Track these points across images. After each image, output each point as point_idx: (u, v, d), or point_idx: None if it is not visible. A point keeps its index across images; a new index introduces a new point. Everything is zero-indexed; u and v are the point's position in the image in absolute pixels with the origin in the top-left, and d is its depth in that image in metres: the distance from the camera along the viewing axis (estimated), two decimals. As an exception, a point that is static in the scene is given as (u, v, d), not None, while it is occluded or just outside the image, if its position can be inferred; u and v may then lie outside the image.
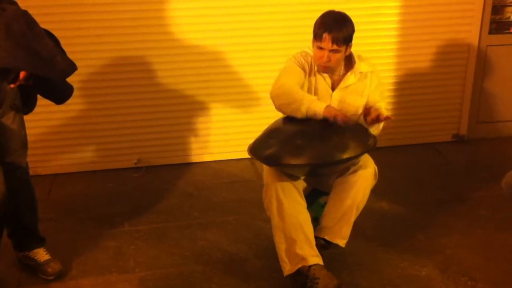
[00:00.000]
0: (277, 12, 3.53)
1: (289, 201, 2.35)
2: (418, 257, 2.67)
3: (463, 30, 3.82)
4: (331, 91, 2.52)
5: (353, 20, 3.60)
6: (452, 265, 2.61)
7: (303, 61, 2.50)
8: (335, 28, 2.35)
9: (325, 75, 2.51)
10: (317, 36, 2.38)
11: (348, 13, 3.54)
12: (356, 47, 3.60)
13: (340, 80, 2.53)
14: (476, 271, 2.57)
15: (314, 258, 2.34)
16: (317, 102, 2.36)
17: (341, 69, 2.53)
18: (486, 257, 2.68)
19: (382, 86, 2.63)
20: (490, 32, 3.87)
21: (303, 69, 2.49)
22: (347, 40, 2.40)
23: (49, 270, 2.54)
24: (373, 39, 3.72)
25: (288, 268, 2.35)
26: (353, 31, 2.42)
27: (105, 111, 3.57)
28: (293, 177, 2.40)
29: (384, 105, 2.59)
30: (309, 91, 2.51)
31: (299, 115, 2.35)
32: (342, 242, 2.50)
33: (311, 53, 2.51)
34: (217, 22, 3.49)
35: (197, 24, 3.48)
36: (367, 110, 2.48)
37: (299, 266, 2.32)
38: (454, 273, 2.56)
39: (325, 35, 2.35)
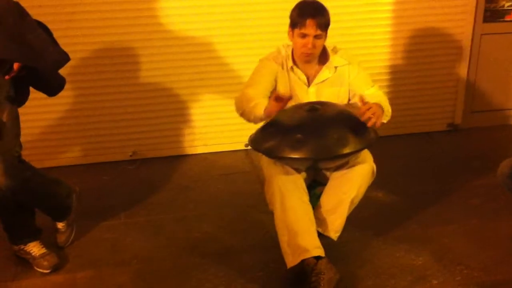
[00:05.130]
0: (270, 3, 3.51)
1: (291, 194, 2.34)
2: (413, 246, 2.69)
3: (457, 19, 3.81)
4: (306, 87, 2.53)
5: (348, 10, 3.66)
6: (447, 254, 2.63)
7: (272, 64, 2.54)
8: (318, 13, 2.37)
9: (299, 71, 2.52)
10: (299, 24, 2.38)
11: (342, 2, 3.58)
12: (351, 36, 3.66)
13: (315, 75, 2.53)
14: (471, 260, 2.58)
15: (316, 249, 2.31)
16: (257, 108, 2.38)
17: (316, 63, 2.54)
18: (481, 246, 2.69)
19: (364, 73, 2.63)
20: (484, 21, 3.86)
21: (271, 72, 2.53)
22: (327, 26, 2.42)
23: (45, 263, 2.54)
24: (367, 29, 3.71)
25: (290, 259, 2.33)
26: (329, 15, 2.43)
27: (100, 104, 3.55)
28: (295, 170, 2.40)
29: (375, 90, 2.59)
30: (285, 87, 2.53)
31: (263, 120, 2.43)
32: (334, 236, 2.48)
33: (283, 49, 2.54)
34: (210, 13, 3.47)
35: (190, 15, 3.46)
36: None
37: (302, 257, 2.29)
38: (449, 261, 2.57)
39: (309, 21, 2.35)
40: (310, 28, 2.36)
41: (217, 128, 3.77)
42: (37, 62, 2.18)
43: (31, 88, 2.49)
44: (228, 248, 2.72)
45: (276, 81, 2.55)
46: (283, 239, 2.36)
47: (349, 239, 2.69)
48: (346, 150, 2.25)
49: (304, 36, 2.39)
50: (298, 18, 2.39)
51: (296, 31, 2.41)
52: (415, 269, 2.53)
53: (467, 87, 4.01)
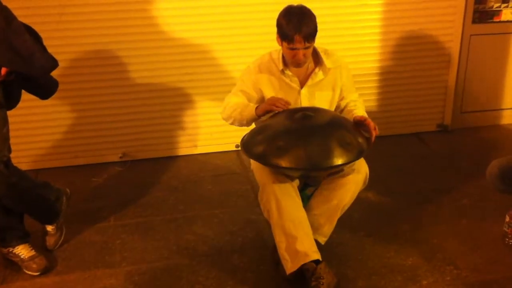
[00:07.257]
0: (263, 4, 3.50)
1: (286, 199, 2.33)
2: (404, 247, 2.69)
3: (446, 20, 3.83)
4: (299, 88, 2.53)
5: (338, 11, 3.67)
6: (437, 254, 2.64)
7: (254, 75, 2.53)
8: (304, 26, 2.31)
9: (290, 74, 2.51)
10: (287, 38, 2.34)
11: (333, 3, 3.59)
12: (341, 38, 3.67)
13: (308, 77, 2.53)
14: (461, 260, 2.59)
15: (314, 253, 2.30)
16: (247, 111, 2.47)
17: (309, 64, 2.52)
18: (470, 246, 2.70)
19: (352, 77, 2.65)
20: (473, 22, 3.88)
21: (254, 82, 2.53)
22: (315, 33, 2.37)
23: (34, 266, 2.52)
24: (356, 30, 3.72)
25: (290, 265, 2.30)
26: (316, 20, 2.38)
27: (90, 105, 3.54)
28: (288, 176, 2.39)
29: (356, 96, 2.63)
30: (276, 92, 2.52)
31: (255, 120, 2.49)
32: (321, 240, 2.47)
33: (275, 53, 2.53)
34: (201, 14, 3.47)
35: (180, 17, 3.45)
36: (358, 120, 2.42)
37: (302, 262, 2.27)
38: (439, 262, 2.58)
39: (297, 37, 2.31)
40: (298, 43, 2.33)
41: (207, 129, 3.76)
42: (24, 67, 2.17)
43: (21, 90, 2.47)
44: (218, 249, 2.72)
45: (260, 89, 2.54)
46: (281, 245, 2.33)
47: (340, 240, 2.69)
48: (331, 163, 2.21)
49: (293, 49, 2.37)
50: (285, 32, 2.33)
51: (285, 44, 2.38)
52: (405, 269, 2.54)
53: (457, 87, 4.03)
